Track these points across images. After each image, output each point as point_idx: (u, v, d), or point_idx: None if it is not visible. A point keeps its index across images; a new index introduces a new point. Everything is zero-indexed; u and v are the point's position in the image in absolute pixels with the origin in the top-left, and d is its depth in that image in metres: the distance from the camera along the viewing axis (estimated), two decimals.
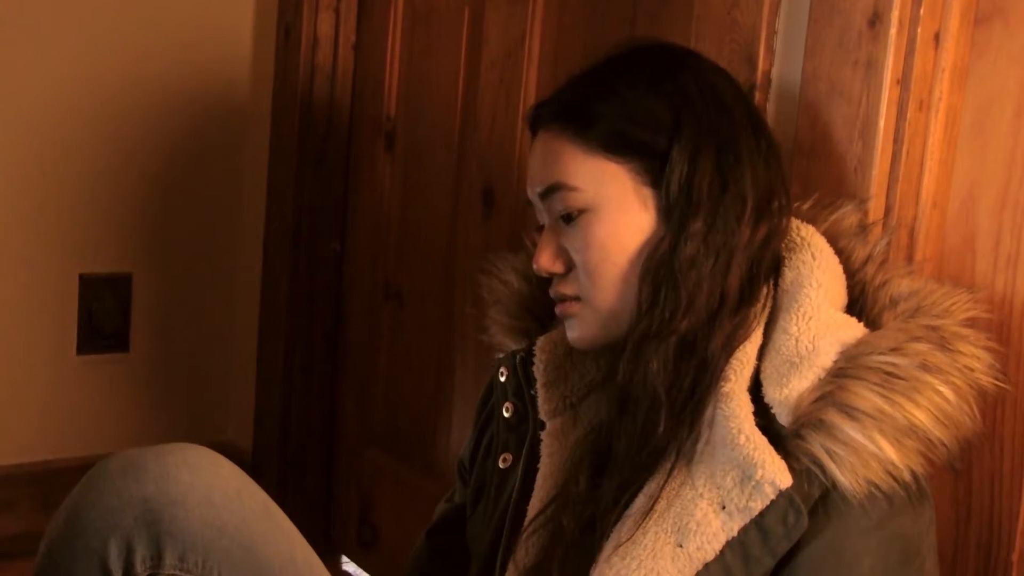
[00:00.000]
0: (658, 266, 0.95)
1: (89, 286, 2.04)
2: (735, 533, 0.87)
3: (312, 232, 2.06)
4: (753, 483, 0.87)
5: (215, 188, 2.17)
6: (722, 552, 0.87)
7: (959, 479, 1.09)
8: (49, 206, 1.98)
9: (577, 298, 1.00)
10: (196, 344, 2.21)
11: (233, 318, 2.23)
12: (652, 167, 0.96)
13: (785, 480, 0.86)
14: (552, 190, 0.99)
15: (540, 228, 1.05)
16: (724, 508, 0.88)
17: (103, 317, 2.07)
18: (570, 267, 1.01)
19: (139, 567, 1.01)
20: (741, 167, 0.96)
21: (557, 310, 1.03)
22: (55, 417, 2.04)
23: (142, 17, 2.02)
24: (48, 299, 2.01)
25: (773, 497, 0.86)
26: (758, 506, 0.86)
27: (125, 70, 2.02)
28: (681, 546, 0.88)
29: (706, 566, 0.87)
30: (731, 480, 0.88)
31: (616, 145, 0.97)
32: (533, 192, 1.03)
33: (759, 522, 0.86)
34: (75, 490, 1.05)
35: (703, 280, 0.94)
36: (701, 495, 0.89)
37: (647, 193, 0.97)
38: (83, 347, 2.06)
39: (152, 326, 2.14)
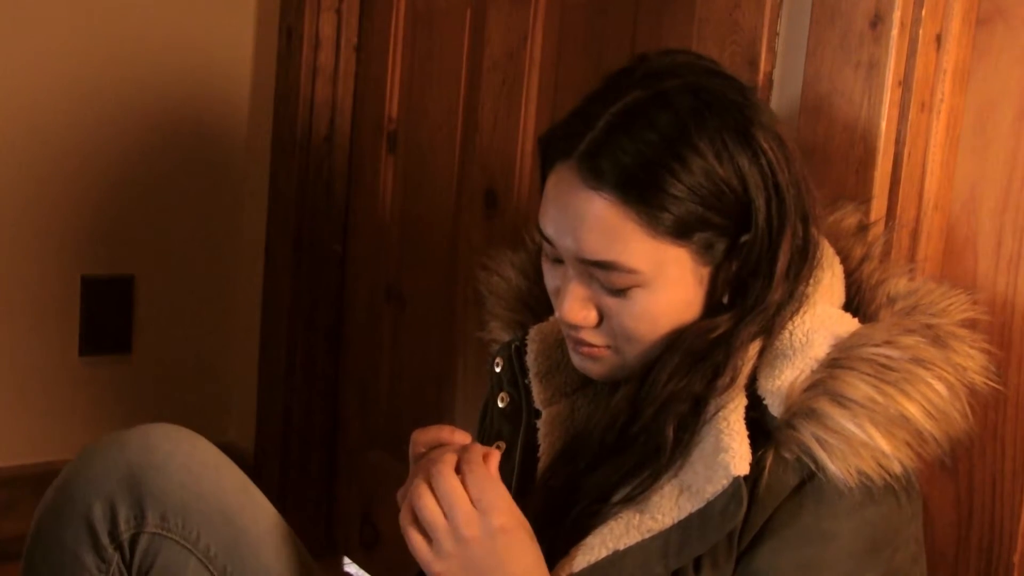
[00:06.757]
0: (713, 343, 0.92)
1: (91, 288, 2.04)
2: (684, 515, 0.88)
3: (314, 234, 2.06)
4: (714, 466, 0.87)
5: (217, 190, 2.17)
6: (668, 530, 0.88)
7: (961, 480, 1.09)
8: (51, 208, 1.98)
9: (606, 346, 0.97)
10: (198, 345, 2.21)
11: (235, 320, 2.23)
12: (717, 243, 0.92)
13: (741, 468, 0.86)
14: (604, 267, 0.92)
15: (555, 261, 0.97)
16: (688, 489, 0.88)
17: (105, 319, 2.07)
18: (601, 318, 0.96)
19: (123, 526, 1.06)
20: (816, 238, 0.94)
21: (575, 348, 0.99)
22: (57, 418, 2.04)
23: (144, 18, 2.02)
24: (50, 301, 2.01)
25: (726, 483, 0.86)
26: (710, 491, 0.87)
27: (126, 71, 2.01)
28: (639, 515, 0.90)
29: (651, 537, 0.88)
30: (701, 464, 0.89)
31: (685, 230, 0.90)
32: (568, 251, 0.94)
33: (704, 510, 0.87)
34: (64, 468, 1.10)
35: (748, 350, 0.93)
36: (675, 475, 0.90)
37: (704, 272, 0.93)
38: (85, 348, 2.06)
39: (154, 328, 2.14)
